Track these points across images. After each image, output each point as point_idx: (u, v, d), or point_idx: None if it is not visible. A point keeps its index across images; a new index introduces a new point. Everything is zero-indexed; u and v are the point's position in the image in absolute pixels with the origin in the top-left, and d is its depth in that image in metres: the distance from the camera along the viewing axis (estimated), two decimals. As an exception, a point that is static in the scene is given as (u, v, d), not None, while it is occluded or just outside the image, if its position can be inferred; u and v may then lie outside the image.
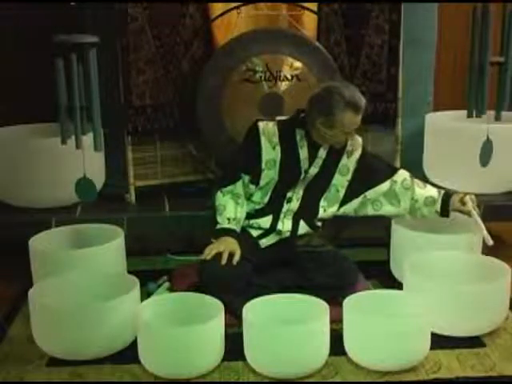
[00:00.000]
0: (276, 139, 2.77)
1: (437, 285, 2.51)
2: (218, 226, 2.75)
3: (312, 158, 2.79)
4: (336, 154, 2.83)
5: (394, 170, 2.92)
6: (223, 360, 2.35)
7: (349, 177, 2.87)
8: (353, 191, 2.88)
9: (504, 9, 2.69)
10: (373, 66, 3.43)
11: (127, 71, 3.22)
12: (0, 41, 3.63)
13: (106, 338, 2.36)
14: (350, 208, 2.91)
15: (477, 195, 3.23)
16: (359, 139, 2.89)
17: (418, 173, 3.57)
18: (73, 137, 2.66)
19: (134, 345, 2.37)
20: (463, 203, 2.77)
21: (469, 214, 2.77)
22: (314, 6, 3.42)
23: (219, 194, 2.79)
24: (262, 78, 3.24)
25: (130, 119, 3.28)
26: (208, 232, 2.79)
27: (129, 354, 2.39)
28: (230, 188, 2.79)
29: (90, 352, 2.36)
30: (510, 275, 2.53)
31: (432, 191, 2.85)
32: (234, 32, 3.29)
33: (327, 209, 2.89)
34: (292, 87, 3.27)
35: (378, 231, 3.33)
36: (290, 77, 3.26)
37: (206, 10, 3.35)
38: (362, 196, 2.88)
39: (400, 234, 2.95)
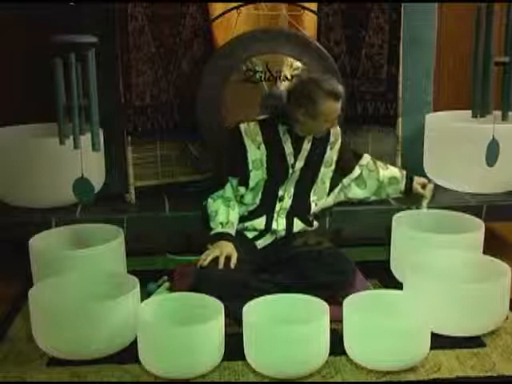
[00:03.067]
0: (260, 138, 2.80)
1: (437, 285, 2.51)
2: (212, 232, 2.75)
3: (297, 151, 2.83)
4: (320, 146, 2.88)
5: (360, 156, 3.05)
6: (223, 360, 2.35)
7: (332, 167, 2.95)
8: (334, 180, 2.99)
9: (508, 8, 2.68)
10: (373, 66, 3.43)
11: (127, 71, 3.22)
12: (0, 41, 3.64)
13: (106, 337, 2.36)
14: (332, 197, 3.01)
15: (477, 195, 3.25)
16: (338, 130, 2.96)
17: (418, 173, 3.57)
18: (71, 137, 2.66)
19: (134, 345, 2.37)
20: (423, 187, 2.99)
21: (423, 197, 3.01)
22: (314, 6, 3.42)
23: (210, 201, 2.80)
24: (262, 77, 3.25)
25: (130, 119, 3.28)
26: (206, 234, 2.79)
27: (129, 354, 2.39)
28: (219, 193, 2.80)
29: (90, 352, 2.36)
30: (510, 275, 2.53)
31: (394, 171, 3.06)
32: (234, 32, 3.29)
33: (318, 202, 2.94)
34: (292, 87, 3.26)
35: (378, 231, 3.33)
36: (289, 77, 3.26)
37: (206, 9, 3.36)
38: (340, 184, 3.00)
39: (400, 234, 2.95)
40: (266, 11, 3.39)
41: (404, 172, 3.06)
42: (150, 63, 3.28)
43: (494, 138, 2.90)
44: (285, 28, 3.40)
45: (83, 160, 2.68)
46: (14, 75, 3.65)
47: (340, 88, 2.71)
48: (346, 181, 3.01)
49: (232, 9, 3.29)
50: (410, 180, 3.03)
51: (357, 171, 3.01)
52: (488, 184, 3.37)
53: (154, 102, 3.33)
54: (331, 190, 3.00)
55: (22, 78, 3.65)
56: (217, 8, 3.34)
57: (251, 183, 2.82)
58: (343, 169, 2.99)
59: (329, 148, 2.91)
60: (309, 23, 3.45)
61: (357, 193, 3.04)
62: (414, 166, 3.56)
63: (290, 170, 2.82)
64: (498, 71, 2.75)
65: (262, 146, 2.80)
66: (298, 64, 3.26)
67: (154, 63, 3.28)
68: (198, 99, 3.25)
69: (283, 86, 3.24)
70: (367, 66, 3.45)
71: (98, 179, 3.20)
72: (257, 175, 2.81)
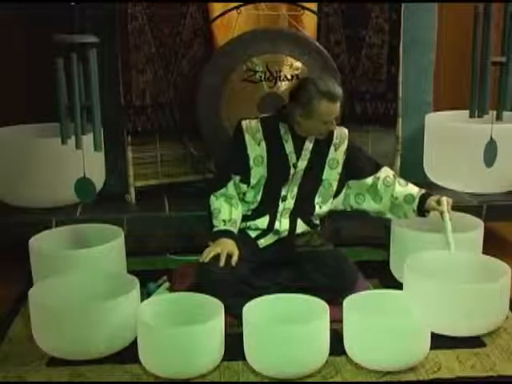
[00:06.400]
0: (260, 135, 2.79)
1: (437, 285, 2.51)
2: (215, 229, 2.74)
3: (298, 151, 2.81)
4: (323, 147, 2.85)
5: (378, 167, 2.93)
6: (223, 360, 2.34)
7: (339, 170, 2.89)
8: (341, 183, 2.91)
9: (505, 8, 2.69)
10: (373, 66, 3.44)
11: (127, 71, 3.22)
12: (0, 41, 3.64)
13: (106, 337, 2.35)
14: (338, 201, 2.94)
15: (477, 195, 3.24)
16: (345, 131, 2.91)
17: (418, 173, 3.58)
18: (73, 137, 2.66)
19: (134, 345, 2.37)
20: (439, 203, 2.79)
21: (442, 214, 2.78)
22: (314, 6, 3.42)
23: (212, 199, 2.80)
24: (262, 77, 3.25)
25: (130, 119, 3.28)
26: (208, 232, 2.79)
27: (129, 354, 2.39)
28: (222, 191, 2.80)
29: (90, 352, 2.36)
30: (510, 275, 2.53)
31: (412, 190, 2.86)
32: (234, 32, 3.29)
33: (322, 205, 2.90)
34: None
35: (377, 231, 3.33)
36: (289, 77, 3.26)
37: (206, 10, 3.36)
38: (346, 186, 2.91)
39: (400, 234, 2.95)
40: (266, 11, 3.39)
41: (422, 191, 2.85)
42: (150, 63, 3.28)
43: (491, 139, 2.90)
44: (285, 28, 3.41)
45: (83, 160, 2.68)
46: (15, 75, 3.65)
47: (337, 89, 2.67)
48: (353, 184, 2.89)
49: (232, 9, 3.29)
50: (423, 198, 2.81)
51: (368, 181, 2.88)
52: (488, 184, 3.37)
53: (154, 101, 3.33)
54: (337, 192, 2.92)
55: (23, 77, 3.65)
56: (217, 8, 3.35)
57: (252, 180, 2.81)
58: (351, 172, 2.89)
59: (333, 149, 2.86)
60: (309, 23, 3.45)
61: (372, 206, 2.90)
62: (414, 165, 3.56)
63: (292, 170, 2.81)
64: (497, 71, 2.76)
65: (263, 143, 2.79)
66: (298, 64, 3.27)
67: (154, 63, 3.29)
68: (197, 99, 3.25)
69: (283, 86, 3.25)
70: (367, 65, 3.45)
71: (98, 179, 3.19)
72: (258, 172, 2.80)
